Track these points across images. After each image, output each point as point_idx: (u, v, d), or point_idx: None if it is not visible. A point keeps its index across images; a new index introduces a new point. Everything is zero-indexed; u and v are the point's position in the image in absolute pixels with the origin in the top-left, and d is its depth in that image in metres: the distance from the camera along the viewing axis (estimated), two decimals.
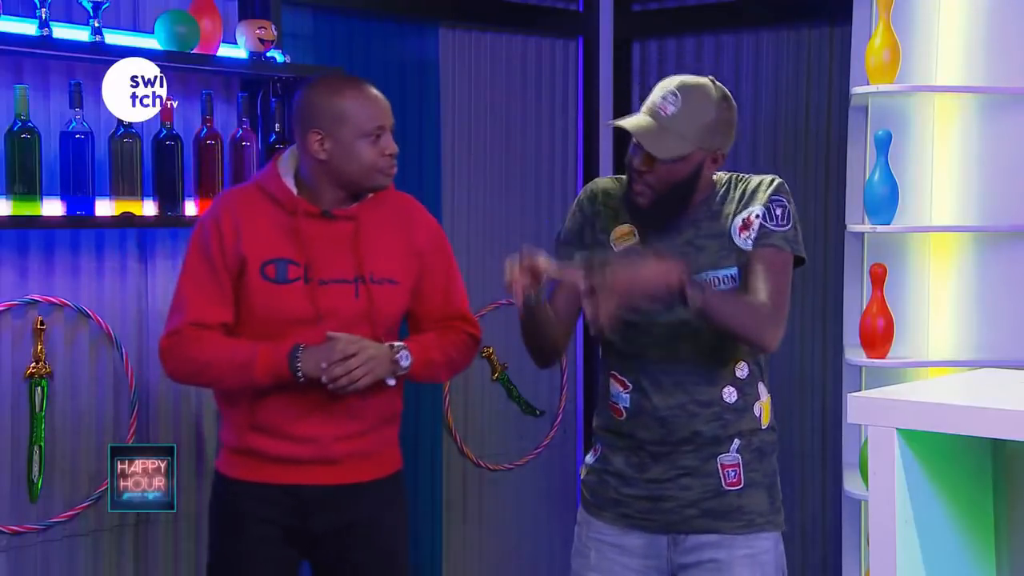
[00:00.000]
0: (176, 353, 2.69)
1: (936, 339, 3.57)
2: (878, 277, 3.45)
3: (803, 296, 4.17)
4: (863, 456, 3.45)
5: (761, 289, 2.48)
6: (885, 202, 3.44)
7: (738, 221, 2.53)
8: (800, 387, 4.19)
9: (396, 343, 2.69)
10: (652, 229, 2.56)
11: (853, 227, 3.58)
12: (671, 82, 2.52)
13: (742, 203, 2.55)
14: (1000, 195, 3.49)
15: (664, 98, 2.49)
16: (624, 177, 2.63)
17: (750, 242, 2.52)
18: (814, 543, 4.19)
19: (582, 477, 2.72)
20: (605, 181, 2.69)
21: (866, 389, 3.36)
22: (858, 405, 1.67)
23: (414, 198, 2.88)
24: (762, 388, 2.61)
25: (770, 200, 2.53)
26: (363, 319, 2.69)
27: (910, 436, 1.64)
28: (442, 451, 4.21)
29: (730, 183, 2.60)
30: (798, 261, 2.57)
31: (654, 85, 2.58)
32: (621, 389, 2.59)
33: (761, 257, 2.51)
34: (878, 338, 3.43)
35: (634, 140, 2.49)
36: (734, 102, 2.56)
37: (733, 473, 2.56)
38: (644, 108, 2.52)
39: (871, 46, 3.43)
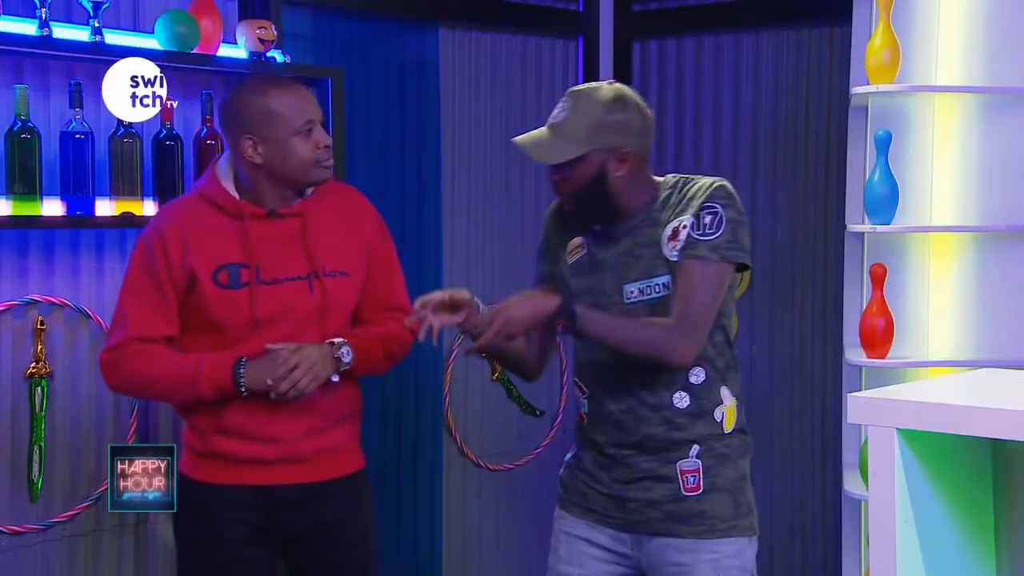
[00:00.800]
0: (119, 367, 2.69)
1: (936, 339, 3.57)
2: (878, 277, 3.44)
3: (803, 296, 4.18)
4: (863, 456, 3.45)
5: (675, 306, 2.47)
6: (885, 202, 3.43)
7: (668, 230, 2.52)
8: (800, 387, 4.19)
9: (337, 340, 2.70)
10: (583, 235, 2.61)
11: (853, 227, 3.58)
12: (566, 92, 2.58)
13: (677, 210, 2.53)
14: (1000, 195, 3.49)
15: (557, 107, 2.55)
16: None
17: (676, 254, 2.50)
18: (814, 543, 4.19)
19: (560, 473, 2.76)
20: None
21: (866, 389, 3.36)
22: (858, 405, 1.67)
23: (355, 188, 2.89)
24: (725, 392, 2.59)
25: (701, 207, 2.50)
26: (319, 313, 2.71)
27: (910, 436, 1.64)
28: (442, 451, 4.21)
29: (674, 187, 2.57)
30: (742, 267, 2.53)
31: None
32: (580, 394, 2.65)
33: (682, 271, 2.48)
34: (878, 338, 3.43)
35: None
36: (635, 101, 2.54)
37: (692, 479, 2.56)
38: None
39: (871, 46, 3.43)
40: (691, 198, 2.53)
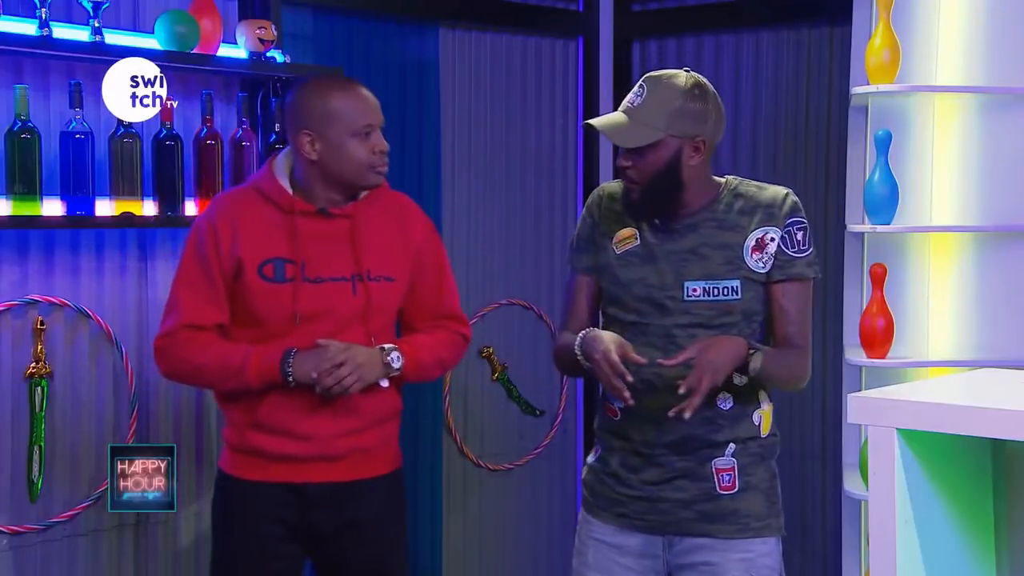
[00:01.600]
0: (170, 354, 2.72)
1: (936, 339, 3.57)
2: (878, 277, 3.44)
3: None
4: (863, 456, 3.45)
5: (793, 333, 2.53)
6: (885, 202, 3.43)
7: (751, 240, 2.52)
8: None
9: (387, 345, 2.71)
10: (648, 223, 2.58)
11: (853, 227, 3.58)
12: (643, 77, 2.57)
13: (756, 219, 2.53)
14: (1000, 195, 3.49)
15: (634, 92, 2.53)
16: None
17: (763, 265, 2.52)
18: (814, 543, 4.19)
19: (583, 477, 2.73)
20: (612, 185, 2.69)
21: (866, 389, 3.36)
22: (858, 405, 1.67)
23: (409, 196, 2.90)
24: (763, 396, 2.60)
25: (789, 223, 2.53)
26: (360, 316, 2.71)
27: (910, 436, 1.64)
28: (442, 451, 4.21)
29: (736, 191, 2.57)
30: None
31: None
32: None
33: (787, 293, 2.53)
34: (878, 338, 3.43)
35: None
36: (712, 91, 2.55)
37: (728, 477, 2.55)
38: (617, 108, 2.57)
39: (871, 46, 3.43)
40: (769, 206, 2.54)
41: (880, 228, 3.45)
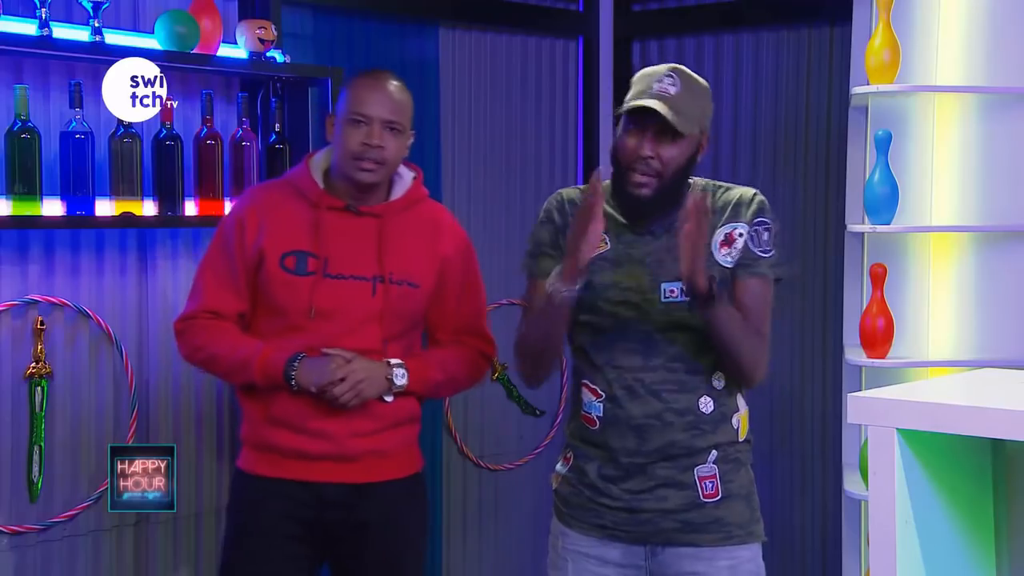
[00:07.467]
0: (188, 338, 2.76)
1: (936, 339, 3.57)
2: (878, 277, 3.44)
3: (803, 296, 4.17)
4: (863, 456, 3.45)
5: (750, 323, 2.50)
6: (885, 202, 3.44)
7: (720, 235, 2.51)
8: (800, 387, 4.19)
9: (393, 360, 2.70)
10: (648, 221, 2.52)
11: (853, 227, 3.58)
12: (660, 67, 2.47)
13: (724, 216, 2.52)
14: (1000, 195, 3.49)
15: (661, 81, 2.43)
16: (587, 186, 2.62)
17: (730, 260, 2.50)
18: (814, 543, 4.19)
19: (554, 487, 2.66)
20: (570, 191, 2.64)
21: (866, 389, 3.36)
22: (858, 405, 1.67)
23: (446, 208, 2.91)
24: (740, 400, 2.58)
25: (756, 221, 2.52)
26: (377, 318, 2.70)
27: (910, 436, 1.64)
28: (442, 451, 4.21)
29: (705, 190, 2.53)
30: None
31: None
32: (594, 398, 2.54)
33: (749, 291, 2.50)
34: (878, 338, 3.43)
35: (621, 129, 2.46)
36: None
37: (711, 485, 2.52)
38: (641, 94, 2.44)
39: (871, 46, 3.43)
40: (738, 205, 2.52)
41: (880, 228, 3.45)
